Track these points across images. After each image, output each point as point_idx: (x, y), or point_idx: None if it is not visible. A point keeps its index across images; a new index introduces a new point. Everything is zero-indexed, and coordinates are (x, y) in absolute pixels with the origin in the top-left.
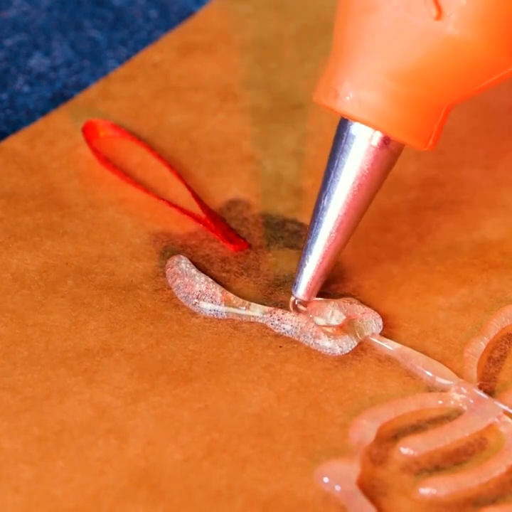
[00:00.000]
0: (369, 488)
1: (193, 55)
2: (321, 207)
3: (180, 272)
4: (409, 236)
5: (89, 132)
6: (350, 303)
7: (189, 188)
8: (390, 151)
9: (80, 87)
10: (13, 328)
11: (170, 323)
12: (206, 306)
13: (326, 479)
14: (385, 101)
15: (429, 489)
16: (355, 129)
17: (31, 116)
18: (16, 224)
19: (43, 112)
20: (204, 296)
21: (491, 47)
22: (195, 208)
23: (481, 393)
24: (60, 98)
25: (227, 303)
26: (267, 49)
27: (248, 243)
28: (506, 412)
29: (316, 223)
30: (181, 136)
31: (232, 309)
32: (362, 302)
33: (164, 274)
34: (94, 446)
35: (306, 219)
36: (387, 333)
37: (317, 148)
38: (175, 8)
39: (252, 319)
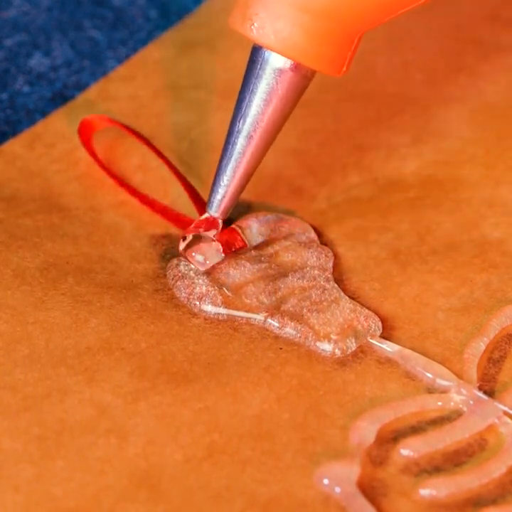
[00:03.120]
0: (369, 490)
1: (193, 52)
2: (236, 129)
3: (179, 273)
4: (409, 235)
5: (85, 131)
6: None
7: (188, 189)
8: (302, 76)
9: (80, 87)
10: (13, 325)
11: (170, 323)
12: (207, 308)
13: (326, 481)
14: (298, 33)
15: (429, 490)
16: (270, 55)
17: (31, 116)
18: (16, 225)
19: (43, 112)
20: (205, 297)
21: None
22: (194, 209)
23: (480, 394)
24: (60, 98)
25: (228, 304)
26: None
27: (247, 244)
28: (506, 413)
29: (230, 145)
30: (181, 136)
31: (232, 311)
32: (362, 304)
33: (164, 275)
34: (94, 446)
35: (306, 218)
36: (387, 334)
37: (318, 147)
38: (175, 8)
39: (252, 321)
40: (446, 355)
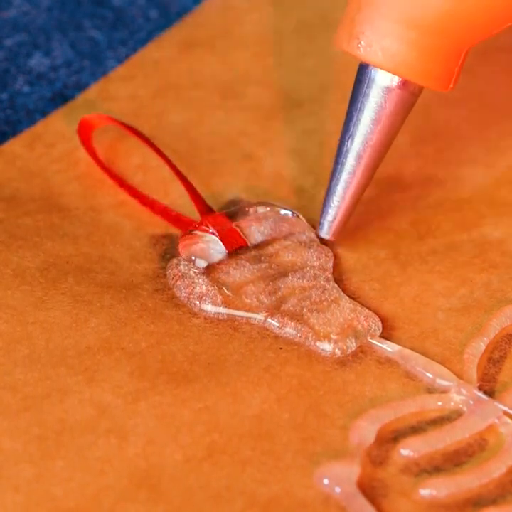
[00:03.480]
0: (369, 490)
1: (193, 52)
2: (344, 149)
3: (179, 273)
4: (409, 235)
5: (84, 131)
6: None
7: (189, 189)
8: (410, 93)
9: (80, 87)
10: (13, 325)
11: (170, 322)
12: (207, 307)
13: (325, 481)
14: (406, 49)
15: (429, 490)
16: (376, 73)
17: (31, 116)
18: (16, 225)
19: (43, 112)
20: (205, 297)
21: None
22: (194, 209)
23: (480, 394)
24: (60, 98)
25: (228, 304)
26: (266, 45)
27: (247, 243)
28: (506, 413)
29: (339, 165)
30: (181, 135)
31: (232, 310)
32: (362, 304)
33: (164, 275)
34: (94, 446)
35: (306, 218)
36: (387, 334)
37: (318, 147)
38: (175, 8)
39: (252, 321)
40: (446, 355)
